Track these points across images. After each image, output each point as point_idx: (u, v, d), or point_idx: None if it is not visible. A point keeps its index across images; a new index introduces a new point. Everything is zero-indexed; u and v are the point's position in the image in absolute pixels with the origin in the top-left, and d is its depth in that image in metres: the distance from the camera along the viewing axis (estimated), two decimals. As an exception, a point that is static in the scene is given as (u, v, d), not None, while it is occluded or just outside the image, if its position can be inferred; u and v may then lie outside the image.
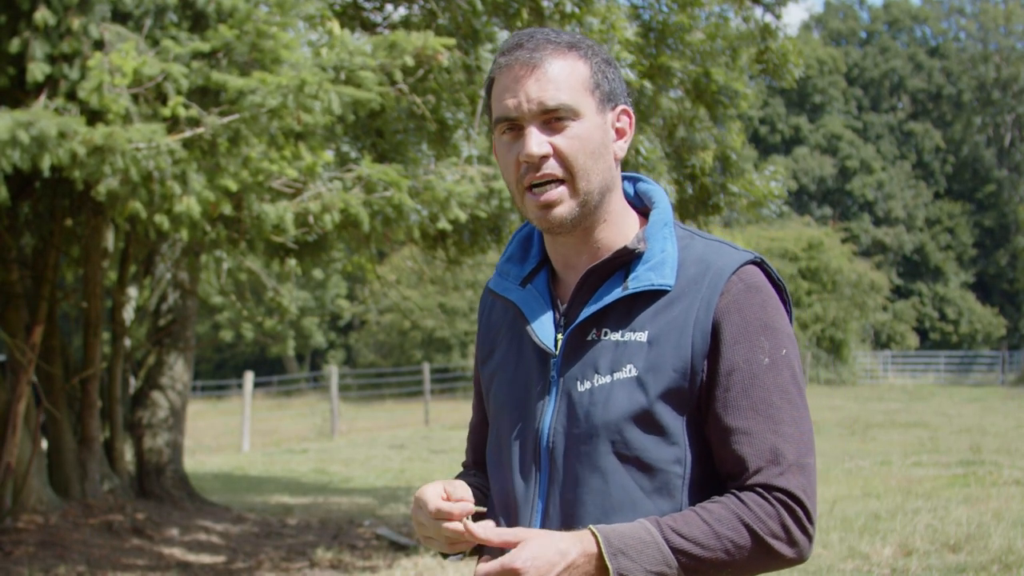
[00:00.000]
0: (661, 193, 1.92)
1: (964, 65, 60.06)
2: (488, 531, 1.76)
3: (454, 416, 26.14)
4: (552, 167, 1.79)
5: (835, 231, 43.81)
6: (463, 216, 7.58)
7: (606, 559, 1.69)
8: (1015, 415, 22.56)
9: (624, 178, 1.96)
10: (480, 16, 8.16)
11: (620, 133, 1.86)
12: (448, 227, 7.69)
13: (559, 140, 1.78)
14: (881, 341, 48.31)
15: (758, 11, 10.47)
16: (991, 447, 15.50)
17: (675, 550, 1.70)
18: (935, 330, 52.56)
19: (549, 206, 1.80)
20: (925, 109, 60.56)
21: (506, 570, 1.68)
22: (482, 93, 8.14)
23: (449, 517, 1.80)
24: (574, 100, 1.78)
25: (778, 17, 10.64)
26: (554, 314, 1.88)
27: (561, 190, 1.79)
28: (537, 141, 1.78)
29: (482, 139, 8.92)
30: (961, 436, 17.55)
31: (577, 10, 8.04)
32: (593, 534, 1.71)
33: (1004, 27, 59.77)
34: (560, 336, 1.85)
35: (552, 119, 1.78)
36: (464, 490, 1.85)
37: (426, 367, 27.23)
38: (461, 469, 2.15)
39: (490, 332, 2.01)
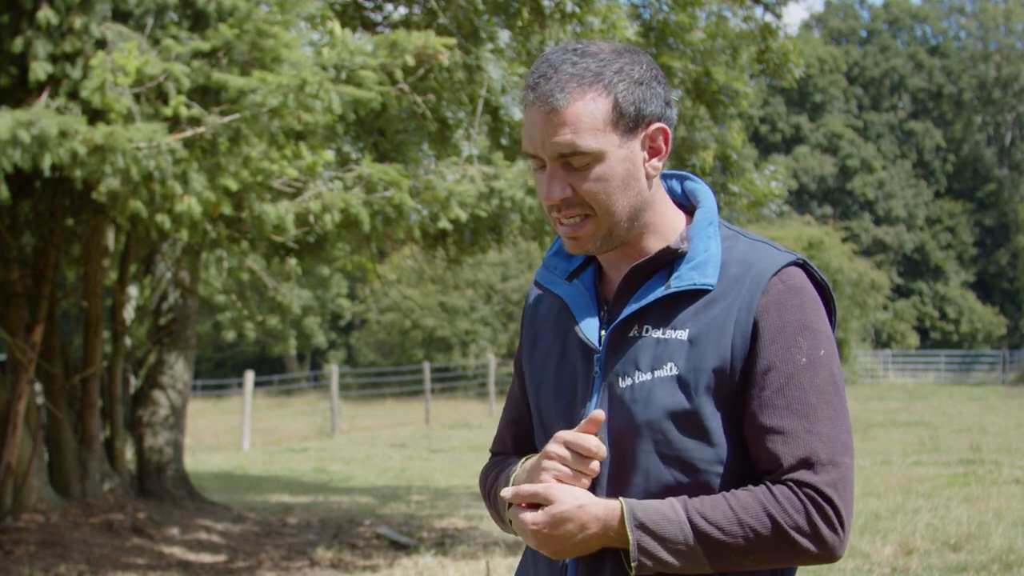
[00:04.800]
0: (707, 192, 1.93)
1: (964, 64, 60.05)
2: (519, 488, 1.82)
3: (454, 415, 26.16)
4: (574, 207, 1.80)
5: (835, 230, 43.78)
6: (463, 215, 7.58)
7: (627, 530, 1.73)
8: (1015, 414, 22.57)
9: (672, 176, 1.96)
10: (481, 15, 8.16)
11: (654, 151, 1.84)
12: (448, 226, 7.69)
13: (580, 182, 1.78)
14: (882, 340, 48.32)
15: (758, 10, 10.48)
16: (991, 446, 15.51)
17: (696, 531, 1.72)
18: (935, 329, 52.56)
19: (575, 238, 1.83)
20: (925, 108, 60.54)
21: (539, 495, 1.78)
22: (483, 93, 8.14)
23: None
24: (594, 143, 1.77)
25: (778, 16, 10.64)
26: (599, 311, 1.89)
27: (586, 224, 1.81)
28: (558, 185, 1.79)
29: (482, 139, 8.92)
30: (961, 435, 17.55)
31: (578, 10, 8.05)
32: (621, 504, 1.76)
33: (1004, 26, 59.75)
34: (604, 333, 1.86)
35: (571, 161, 1.78)
36: None
37: (426, 366, 27.24)
38: (490, 457, 2.15)
39: (535, 324, 2.02)
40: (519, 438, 2.09)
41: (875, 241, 54.04)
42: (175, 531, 9.56)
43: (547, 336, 1.98)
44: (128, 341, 10.88)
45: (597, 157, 1.77)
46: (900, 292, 52.54)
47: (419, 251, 10.84)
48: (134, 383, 11.37)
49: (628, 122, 1.79)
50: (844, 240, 43.29)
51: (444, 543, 9.24)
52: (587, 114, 1.77)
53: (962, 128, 59.35)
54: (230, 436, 21.60)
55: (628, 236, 1.85)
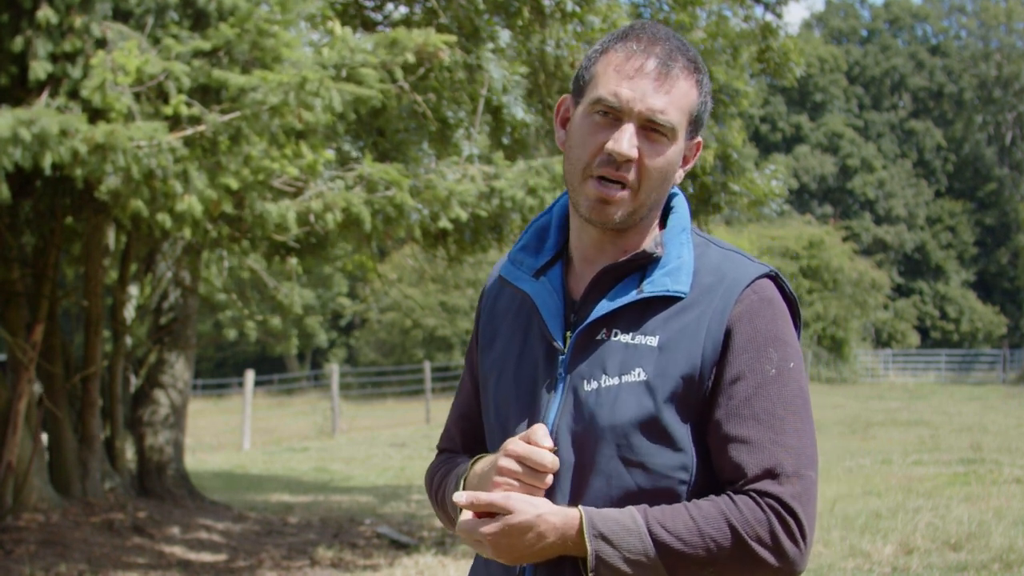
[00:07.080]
0: (680, 197, 1.92)
1: (965, 63, 60.03)
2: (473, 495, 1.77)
3: (455, 414, 26.10)
4: (629, 173, 1.78)
5: (836, 229, 43.79)
6: (464, 215, 7.58)
7: (586, 540, 1.70)
8: (1016, 413, 22.55)
9: None
10: (481, 15, 8.17)
11: (685, 161, 1.87)
12: (449, 226, 7.69)
13: (648, 153, 1.78)
14: (882, 339, 48.30)
15: (759, 10, 10.48)
16: (992, 445, 15.50)
17: (656, 542, 1.69)
18: (936, 328, 52.55)
19: (607, 202, 1.78)
20: (926, 107, 60.54)
21: (496, 504, 1.73)
22: (484, 92, 8.13)
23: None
24: (679, 124, 1.79)
25: (779, 16, 10.65)
26: (565, 310, 1.86)
27: (625, 194, 1.78)
28: (632, 143, 1.77)
29: (483, 138, 8.92)
30: (962, 434, 17.54)
31: (578, 9, 8.05)
32: (580, 513, 1.72)
33: (1005, 25, 59.73)
34: (570, 333, 1.83)
35: (652, 130, 1.78)
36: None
37: (427, 365, 27.24)
38: (437, 454, 2.13)
39: (494, 319, 1.98)
40: (468, 434, 2.08)
41: (875, 240, 54.04)
42: (175, 530, 9.56)
43: (506, 331, 1.94)
44: (128, 340, 10.88)
45: (672, 139, 1.79)
46: (900, 291, 52.53)
47: (420, 250, 10.85)
48: (134, 382, 11.38)
49: (694, 125, 1.83)
50: (844, 239, 43.30)
51: (444, 542, 9.24)
52: (685, 96, 1.79)
53: (963, 127, 59.34)
54: (230, 436, 21.59)
55: (638, 224, 1.83)
